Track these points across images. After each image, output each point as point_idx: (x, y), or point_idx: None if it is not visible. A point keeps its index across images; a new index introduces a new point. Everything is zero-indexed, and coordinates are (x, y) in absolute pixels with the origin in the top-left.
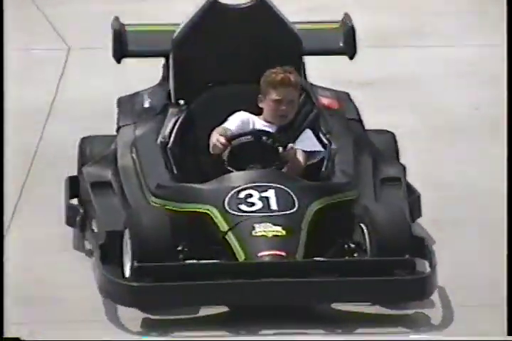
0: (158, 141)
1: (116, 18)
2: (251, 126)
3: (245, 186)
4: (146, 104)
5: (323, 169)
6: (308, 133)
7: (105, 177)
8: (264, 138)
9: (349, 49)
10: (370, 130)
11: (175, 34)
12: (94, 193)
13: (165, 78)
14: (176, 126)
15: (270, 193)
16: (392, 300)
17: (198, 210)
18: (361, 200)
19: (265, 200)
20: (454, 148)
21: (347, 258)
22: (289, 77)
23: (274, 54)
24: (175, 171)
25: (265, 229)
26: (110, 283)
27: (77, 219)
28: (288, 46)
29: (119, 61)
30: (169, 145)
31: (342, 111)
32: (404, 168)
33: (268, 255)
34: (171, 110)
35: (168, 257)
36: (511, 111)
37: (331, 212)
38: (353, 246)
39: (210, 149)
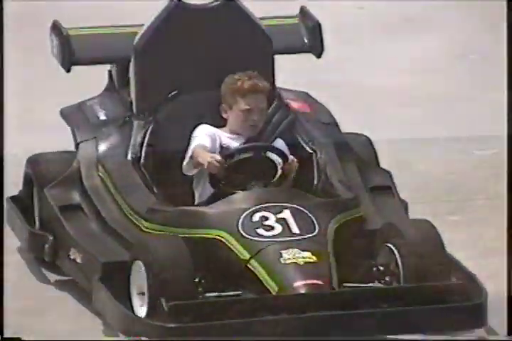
0: (129, 157)
1: (57, 22)
2: (217, 141)
3: (257, 207)
4: (102, 116)
5: (315, 182)
6: (279, 143)
7: (73, 200)
8: (264, 152)
9: (316, 46)
10: (344, 133)
11: (136, 39)
12: (66, 218)
13: (113, 85)
14: (146, 140)
15: (286, 214)
16: (448, 329)
17: (206, 236)
18: (367, 215)
19: (284, 223)
20: (340, 47)
21: (393, 284)
22: (257, 83)
23: (245, 55)
24: (155, 190)
25: (294, 256)
26: (137, 322)
27: (46, 247)
28: (259, 46)
29: (68, 70)
30: (142, 161)
31: (316, 115)
32: (390, 175)
33: (304, 285)
34: (136, 122)
35: (190, 291)
36: None
37: (346, 232)
38: (381, 268)
39: (205, 168)
